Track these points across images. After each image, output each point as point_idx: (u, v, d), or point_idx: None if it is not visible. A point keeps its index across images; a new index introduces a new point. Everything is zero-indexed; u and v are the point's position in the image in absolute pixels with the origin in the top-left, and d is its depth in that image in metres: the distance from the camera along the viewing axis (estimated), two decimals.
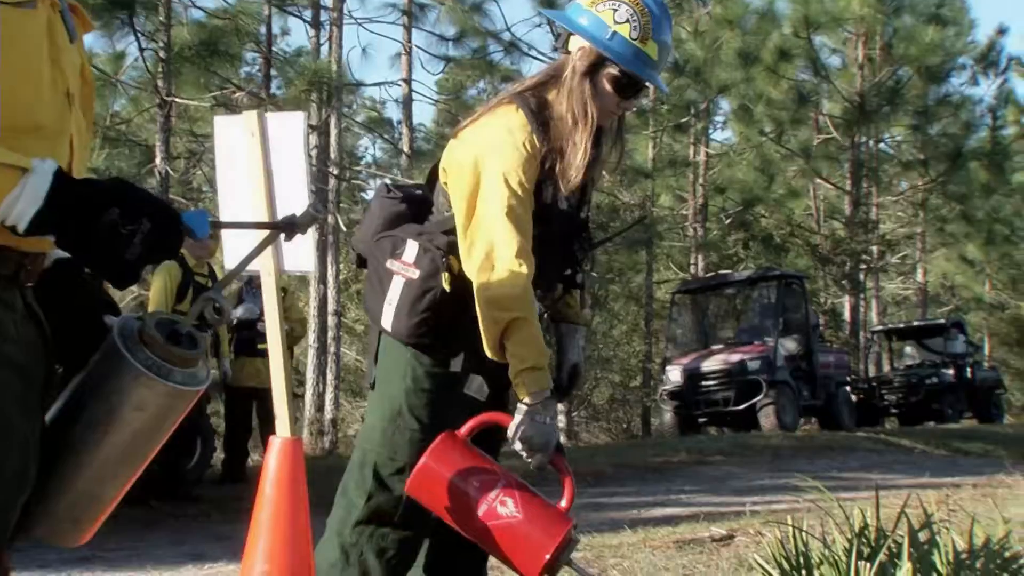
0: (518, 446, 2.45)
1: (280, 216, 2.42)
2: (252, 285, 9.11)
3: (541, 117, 2.57)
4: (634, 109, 2.74)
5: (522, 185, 2.49)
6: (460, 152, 2.59)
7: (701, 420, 17.46)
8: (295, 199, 2.46)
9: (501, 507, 2.35)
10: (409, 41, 15.55)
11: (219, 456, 9.72)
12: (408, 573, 2.66)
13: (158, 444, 1.64)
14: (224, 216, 2.52)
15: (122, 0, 10.86)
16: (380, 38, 37.47)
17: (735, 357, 17.03)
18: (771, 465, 11.69)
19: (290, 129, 2.43)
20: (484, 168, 2.51)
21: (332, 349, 13.79)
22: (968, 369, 21.87)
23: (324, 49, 14.45)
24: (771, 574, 3.20)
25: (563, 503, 2.42)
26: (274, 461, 2.21)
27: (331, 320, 13.77)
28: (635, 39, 2.54)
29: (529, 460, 2.45)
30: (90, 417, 1.55)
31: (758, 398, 16.31)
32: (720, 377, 16.88)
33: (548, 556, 2.31)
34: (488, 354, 2.46)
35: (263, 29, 14.58)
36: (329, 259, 13.84)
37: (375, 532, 2.54)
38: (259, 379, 8.38)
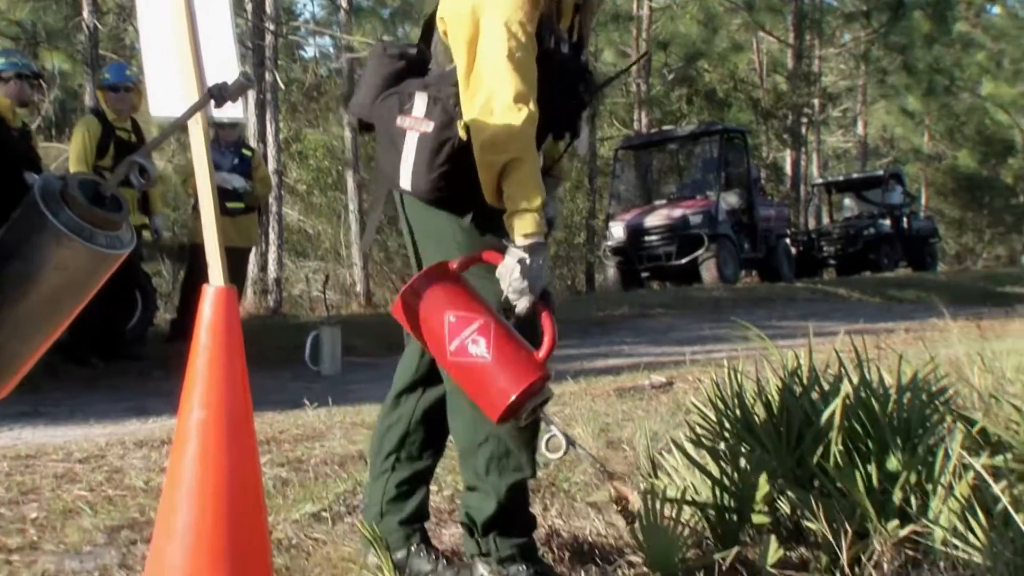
0: (504, 288, 2.41)
1: (206, 67, 2.34)
2: (219, 143, 8.89)
3: None
4: None
5: (523, 26, 2.41)
6: (456, 0, 2.50)
7: (644, 275, 17.66)
8: (221, 51, 2.37)
9: (473, 346, 2.32)
10: None
11: (162, 315, 9.65)
12: None
13: (80, 304, 1.61)
14: (148, 66, 2.43)
15: None
16: None
17: (677, 212, 17.14)
18: (712, 317, 11.91)
19: None
20: (482, 14, 2.43)
21: (274, 209, 13.66)
22: (904, 220, 22.27)
23: None
24: (707, 415, 3.27)
25: (540, 353, 2.37)
26: (208, 309, 2.19)
27: (272, 180, 13.60)
28: None
29: (515, 304, 2.42)
30: (9, 275, 1.52)
31: (700, 252, 16.50)
32: (662, 232, 17.02)
33: (510, 400, 2.29)
34: (487, 200, 2.43)
35: None
36: (268, 118, 13.57)
37: None
38: (227, 239, 8.26)
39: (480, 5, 2.44)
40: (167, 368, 6.86)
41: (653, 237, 17.10)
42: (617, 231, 17.58)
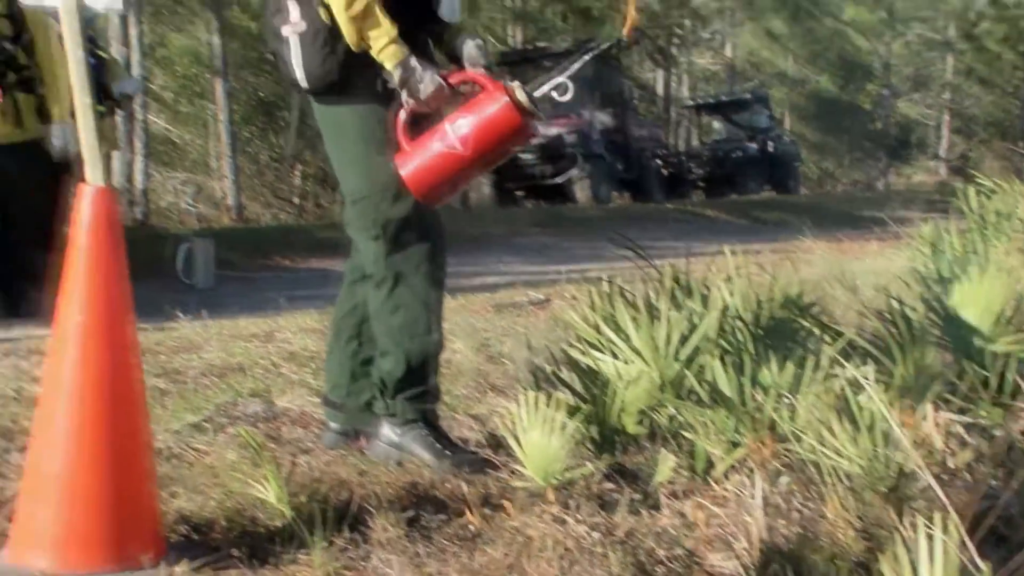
0: (416, 103, 2.78)
1: None
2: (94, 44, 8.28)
3: None
4: None
5: None
6: None
7: (518, 193, 17.69)
8: None
9: (458, 129, 2.75)
10: None
11: None
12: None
13: None
14: None
15: None
16: None
17: (552, 130, 17.12)
18: (586, 236, 12.03)
19: None
20: None
21: (140, 117, 13.17)
22: (770, 143, 22.78)
23: None
24: (585, 328, 3.32)
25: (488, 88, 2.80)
26: (87, 209, 2.11)
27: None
28: None
29: (424, 99, 2.78)
30: None
31: (574, 171, 16.58)
32: (537, 150, 17.01)
33: (506, 100, 2.74)
34: (355, 47, 2.77)
35: None
36: (131, 20, 13.01)
37: (402, 256, 2.88)
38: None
39: None
40: (34, 279, 6.57)
41: (527, 155, 17.09)
42: None
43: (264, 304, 6.27)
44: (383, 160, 2.83)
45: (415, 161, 2.78)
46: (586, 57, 3.08)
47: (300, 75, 2.85)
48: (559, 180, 16.69)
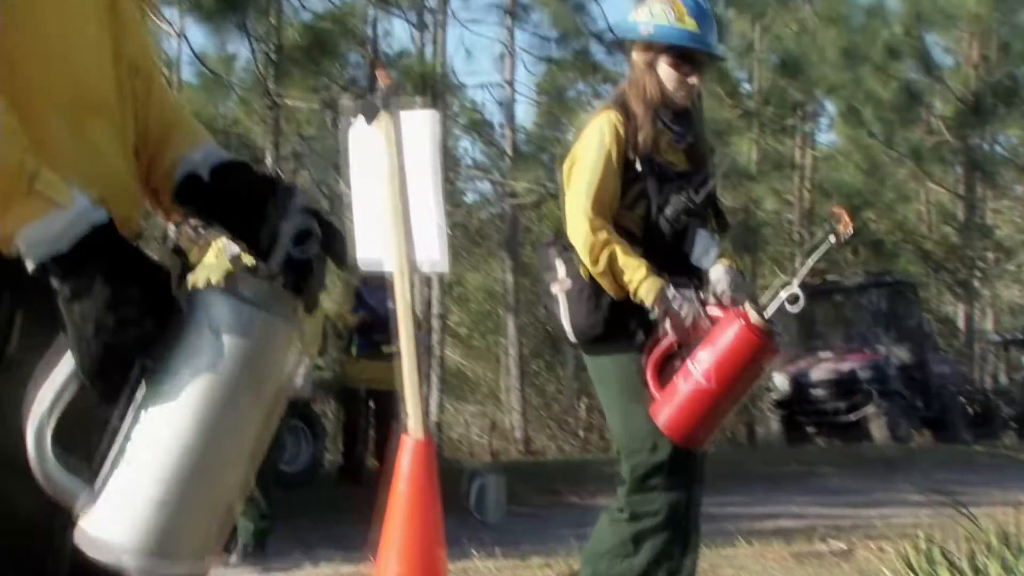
0: (677, 334, 2.91)
1: (413, 215, 2.39)
2: (368, 284, 8.87)
3: (627, 110, 3.10)
4: (698, 82, 3.19)
5: (607, 160, 2.99)
6: (568, 161, 3.14)
7: (809, 429, 17.08)
8: (425, 199, 2.44)
9: (700, 364, 2.84)
10: (512, 40, 15.56)
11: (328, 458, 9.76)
12: None
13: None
14: (357, 214, 2.49)
15: (234, 2, 11.10)
16: (478, 38, 38.42)
17: (845, 365, 16.64)
18: (885, 477, 11.38)
19: (422, 127, 2.41)
20: (577, 161, 3.07)
21: (436, 352, 13.86)
22: None
23: (427, 50, 14.48)
24: None
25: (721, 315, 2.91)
26: (407, 461, 2.19)
27: (435, 323, 13.83)
28: (672, 21, 3.07)
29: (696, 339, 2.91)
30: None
31: (869, 408, 15.90)
32: (830, 386, 16.51)
33: (740, 324, 2.82)
34: (617, 296, 2.95)
35: (368, 31, 14.66)
36: None
37: (643, 499, 2.98)
38: (382, 381, 7.86)
39: (578, 155, 3.07)
40: (339, 511, 6.87)
41: (820, 390, 16.59)
42: (781, 383, 17.12)
43: (555, 542, 6.23)
44: (642, 409, 2.94)
45: (668, 407, 2.87)
46: (810, 263, 3.32)
47: (568, 329, 3.04)
48: (853, 417, 16.01)
